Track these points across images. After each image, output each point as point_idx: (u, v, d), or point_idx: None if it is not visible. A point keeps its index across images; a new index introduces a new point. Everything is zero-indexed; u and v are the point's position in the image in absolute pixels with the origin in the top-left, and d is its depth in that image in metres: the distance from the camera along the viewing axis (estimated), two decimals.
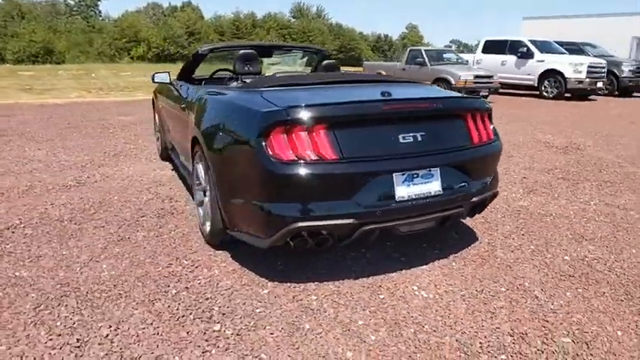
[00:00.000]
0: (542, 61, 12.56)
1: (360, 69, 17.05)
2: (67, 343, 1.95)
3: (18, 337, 1.99)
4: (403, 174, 2.34)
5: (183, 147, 3.58)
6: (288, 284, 2.47)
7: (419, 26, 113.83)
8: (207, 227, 2.90)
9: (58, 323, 2.10)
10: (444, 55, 12.94)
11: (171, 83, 4.15)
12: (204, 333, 2.05)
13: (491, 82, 11.34)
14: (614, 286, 2.51)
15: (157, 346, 1.96)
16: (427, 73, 11.58)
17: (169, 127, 4.37)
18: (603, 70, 12.36)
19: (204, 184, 2.96)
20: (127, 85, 16.12)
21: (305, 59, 4.93)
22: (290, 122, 2.17)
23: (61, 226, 3.22)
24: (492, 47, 13.99)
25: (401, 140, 2.35)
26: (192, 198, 3.62)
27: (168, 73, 4.15)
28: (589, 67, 11.89)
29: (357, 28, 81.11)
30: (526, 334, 2.09)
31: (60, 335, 2.01)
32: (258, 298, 2.33)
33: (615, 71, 13.21)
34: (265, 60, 4.81)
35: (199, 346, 1.96)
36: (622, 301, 2.37)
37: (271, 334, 2.05)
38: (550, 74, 12.38)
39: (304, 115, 2.19)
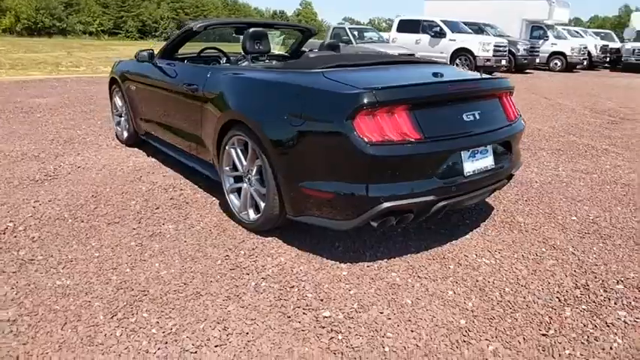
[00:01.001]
0: (453, 40, 13.53)
1: None
2: (184, 350, 1.80)
3: (118, 352, 1.79)
4: (469, 150, 2.47)
5: (190, 131, 3.34)
6: (360, 264, 2.50)
7: (312, 3, 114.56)
8: (252, 214, 2.79)
9: (154, 330, 1.91)
10: (366, 34, 13.30)
11: (153, 63, 3.80)
12: (316, 320, 2.02)
13: None
14: (624, 239, 2.93)
15: (278, 339, 1.89)
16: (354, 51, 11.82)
17: (151, 112, 4.00)
18: (506, 49, 13.68)
19: (242, 170, 2.82)
20: (14, 63, 14.11)
21: (282, 38, 4.80)
22: (378, 104, 2.17)
23: (68, 226, 2.85)
24: (406, 26, 14.69)
25: (465, 119, 2.47)
26: (196, 184, 3.44)
27: (152, 50, 3.79)
28: (495, 46, 13.10)
29: (251, 4, 79.30)
30: (587, 285, 2.37)
31: (166, 343, 1.84)
32: (343, 280, 2.33)
33: (513, 50, 14.69)
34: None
35: (321, 334, 1.93)
36: (638, 250, 2.78)
37: (381, 312, 2.08)
38: (461, 52, 13.40)
39: (390, 96, 2.20)
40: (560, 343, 1.92)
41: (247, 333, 1.92)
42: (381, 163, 2.20)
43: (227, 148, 2.88)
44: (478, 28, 15.31)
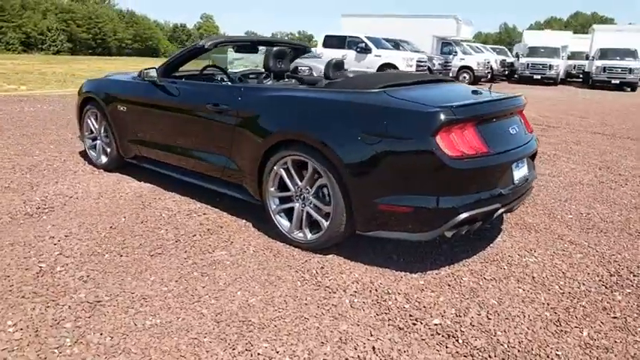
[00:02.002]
0: (379, 55, 14.31)
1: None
2: None
3: None
4: (515, 161, 2.74)
5: (213, 153, 3.25)
6: (429, 272, 2.64)
7: (214, 16, 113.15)
8: (308, 234, 2.80)
9: (288, 359, 1.88)
10: None
11: (154, 82, 3.62)
12: (429, 328, 2.11)
13: None
14: (618, 231, 3.40)
15: (410, 350, 1.96)
16: None
17: (152, 133, 3.78)
18: (426, 64, 14.79)
19: (294, 190, 2.83)
20: None
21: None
22: (455, 120, 2.35)
23: (109, 261, 2.63)
24: (332, 42, 15.25)
25: (511, 132, 2.74)
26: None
27: (155, 69, 3.61)
28: (417, 61, 14.10)
29: (150, 16, 76.26)
30: (618, 272, 2.75)
31: None
32: (425, 289, 2.45)
33: (429, 65, 15.88)
34: (229, 55, 4.54)
35: (442, 341, 2.03)
36: (635, 238, 3.26)
37: (478, 314, 2.24)
38: (386, 67, 14.19)
39: (465, 113, 2.40)
40: (631, 323, 2.23)
41: (378, 349, 1.96)
42: (461, 175, 2.37)
43: (276, 168, 2.86)
44: (395, 44, 16.34)
